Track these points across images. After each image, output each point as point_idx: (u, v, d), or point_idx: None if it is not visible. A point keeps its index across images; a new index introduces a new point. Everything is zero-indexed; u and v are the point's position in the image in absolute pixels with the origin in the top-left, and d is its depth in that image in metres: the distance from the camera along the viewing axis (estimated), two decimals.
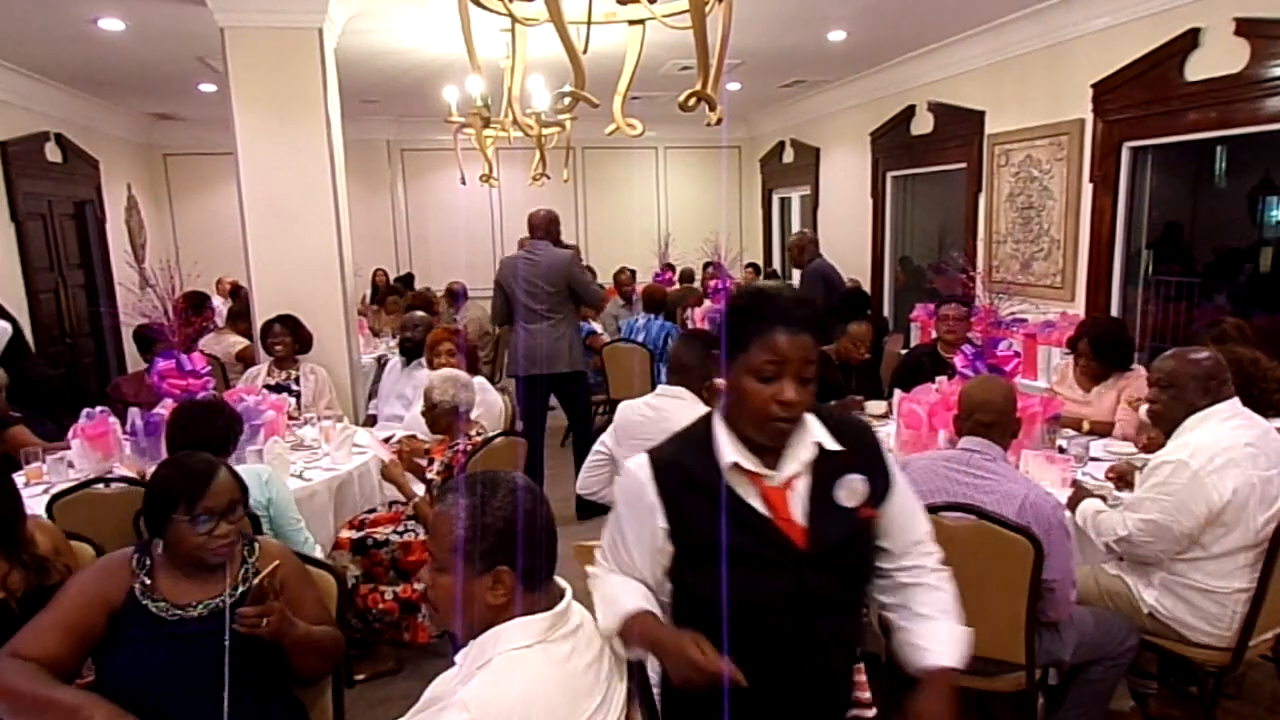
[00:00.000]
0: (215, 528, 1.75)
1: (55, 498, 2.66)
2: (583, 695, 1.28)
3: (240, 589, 1.80)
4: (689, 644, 1.27)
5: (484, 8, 1.71)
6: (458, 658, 1.31)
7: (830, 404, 3.89)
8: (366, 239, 8.27)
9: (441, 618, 1.37)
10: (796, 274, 6.50)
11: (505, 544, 1.29)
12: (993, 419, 2.35)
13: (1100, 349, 3.57)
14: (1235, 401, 2.42)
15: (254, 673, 1.77)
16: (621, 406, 2.53)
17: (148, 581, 1.74)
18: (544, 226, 4.92)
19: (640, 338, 6.16)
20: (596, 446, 2.59)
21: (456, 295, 7.77)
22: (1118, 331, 3.66)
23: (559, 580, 1.41)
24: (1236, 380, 2.60)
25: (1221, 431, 2.35)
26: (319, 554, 2.76)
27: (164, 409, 3.32)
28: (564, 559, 4.55)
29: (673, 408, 2.39)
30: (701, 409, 2.37)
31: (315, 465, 3.40)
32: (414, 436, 3.57)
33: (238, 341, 5.52)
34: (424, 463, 3.30)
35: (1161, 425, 2.53)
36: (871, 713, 2.12)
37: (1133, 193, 4.89)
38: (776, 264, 9.99)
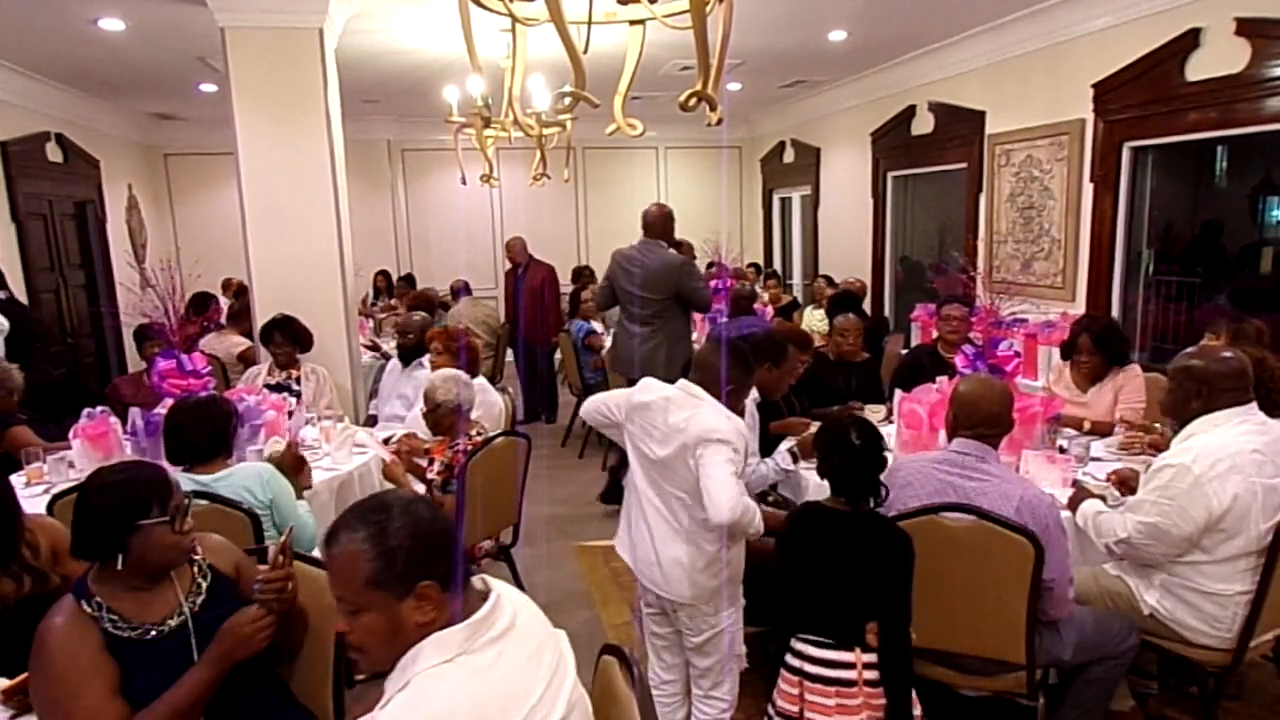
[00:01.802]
0: (184, 524, 1.73)
1: (56, 498, 2.66)
2: (515, 698, 1.24)
3: (204, 583, 1.80)
4: None
5: (484, 8, 1.71)
6: (387, 684, 1.27)
7: (833, 409, 3.87)
8: (367, 239, 8.27)
9: (374, 658, 1.28)
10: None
11: (419, 559, 1.26)
12: (986, 420, 2.35)
13: (1102, 343, 3.58)
14: (1252, 406, 2.38)
15: (259, 665, 1.78)
16: (645, 380, 2.49)
17: (114, 619, 1.66)
18: (659, 225, 4.55)
19: None
20: (613, 398, 2.57)
21: (456, 293, 7.75)
22: (1116, 326, 3.69)
23: (481, 581, 1.36)
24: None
25: (1229, 436, 2.32)
26: (317, 553, 2.75)
27: (164, 409, 3.32)
28: (563, 558, 4.53)
29: (684, 404, 2.35)
30: (715, 411, 2.34)
31: (316, 465, 3.39)
32: (413, 435, 3.57)
33: (240, 342, 5.52)
34: (424, 463, 3.30)
35: (1173, 416, 2.50)
36: None
37: (1133, 193, 4.89)
38: (778, 264, 9.99)
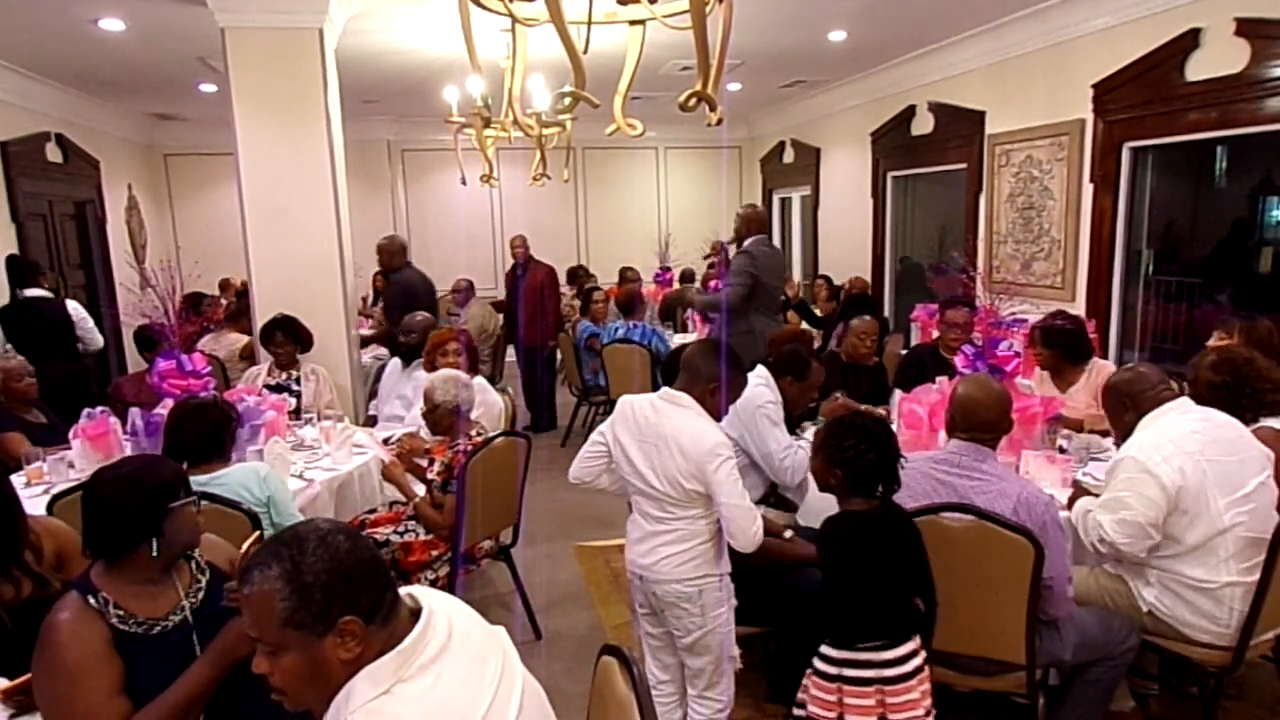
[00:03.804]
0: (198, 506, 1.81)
1: (56, 498, 2.66)
2: (463, 716, 1.21)
3: (203, 579, 1.81)
4: None
5: (484, 8, 1.71)
6: None
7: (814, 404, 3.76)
8: (367, 239, 8.25)
9: (297, 700, 1.24)
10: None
11: (338, 594, 1.20)
12: (983, 425, 2.35)
13: (1048, 338, 3.59)
14: (1183, 401, 2.52)
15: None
16: (624, 399, 2.51)
17: (120, 613, 1.67)
18: (762, 222, 5.02)
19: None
20: (594, 436, 2.58)
21: (460, 292, 7.70)
22: (1063, 322, 3.66)
23: (410, 597, 1.31)
24: (1229, 379, 2.67)
25: (1167, 424, 2.44)
26: None
27: (164, 409, 3.32)
28: (563, 558, 4.53)
29: (671, 413, 2.37)
30: (703, 420, 2.35)
31: (316, 465, 3.40)
32: (415, 435, 3.57)
33: (238, 339, 5.53)
34: (424, 463, 3.30)
35: (1118, 435, 2.66)
36: None
37: (1133, 193, 4.89)
38: None
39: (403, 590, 1.33)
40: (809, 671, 2.17)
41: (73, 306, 5.26)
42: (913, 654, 2.09)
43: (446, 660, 1.23)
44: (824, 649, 2.13)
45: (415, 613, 1.27)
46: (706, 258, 8.45)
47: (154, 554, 1.70)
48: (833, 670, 2.10)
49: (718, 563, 2.38)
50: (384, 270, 5.89)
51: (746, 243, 4.91)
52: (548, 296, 6.70)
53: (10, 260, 5.45)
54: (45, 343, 4.97)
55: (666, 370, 3.24)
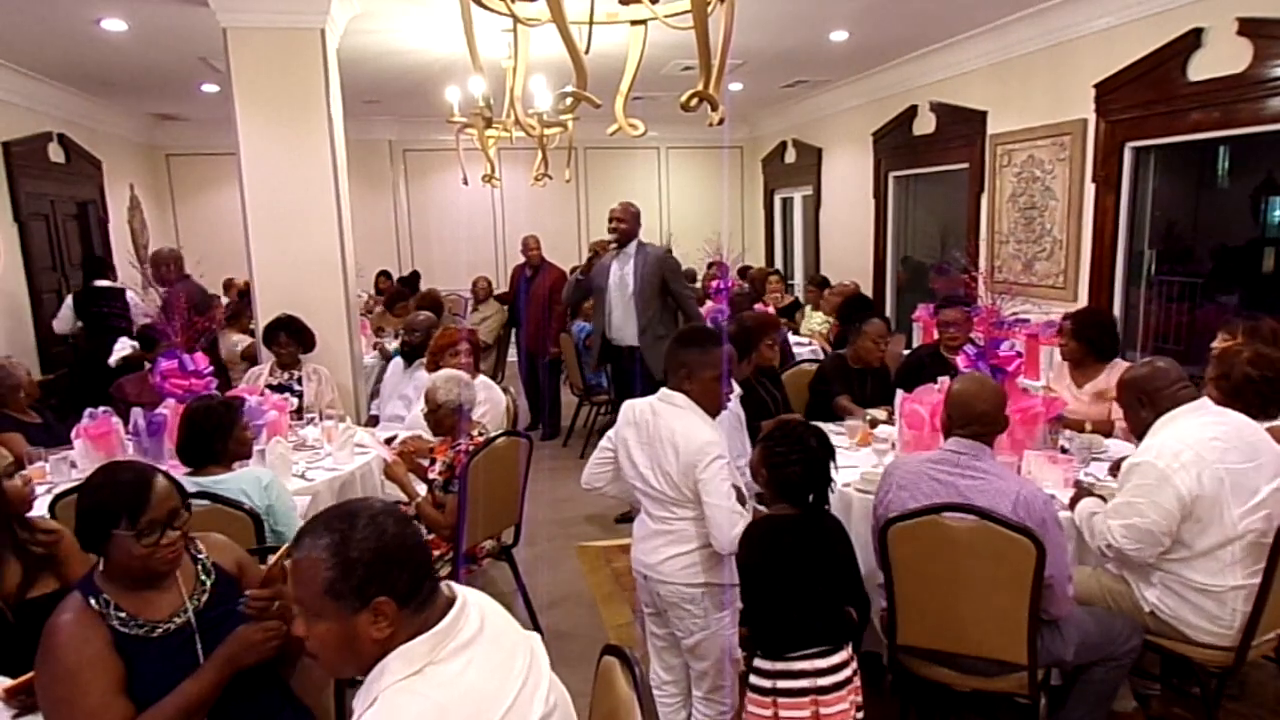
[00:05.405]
0: (161, 538, 1.69)
1: (58, 498, 2.66)
2: (488, 705, 1.24)
3: (208, 581, 1.81)
4: None
5: (486, 8, 1.71)
6: (354, 702, 1.27)
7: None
8: (368, 239, 8.26)
9: (328, 666, 1.32)
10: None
11: (377, 574, 1.25)
12: (980, 419, 2.35)
13: (1080, 330, 3.60)
14: (1203, 401, 2.46)
15: (260, 665, 1.78)
16: (627, 403, 2.53)
17: (121, 615, 1.67)
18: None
19: None
20: (603, 442, 2.60)
21: (479, 292, 7.61)
22: (1098, 315, 3.69)
23: (448, 587, 1.35)
24: (1269, 374, 2.62)
25: (1187, 428, 2.38)
26: None
27: (166, 409, 3.33)
28: (564, 558, 4.53)
29: (667, 414, 2.38)
30: (697, 419, 2.36)
31: (317, 465, 3.40)
32: (419, 436, 3.57)
33: (240, 339, 5.53)
34: (426, 463, 3.30)
35: (1134, 432, 2.60)
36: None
37: (1135, 193, 4.89)
38: (779, 265, 9.99)
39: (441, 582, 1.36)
40: (746, 689, 2.17)
41: (130, 295, 5.96)
42: (845, 664, 2.08)
43: (478, 647, 1.27)
44: (757, 662, 2.12)
45: (451, 601, 1.31)
46: (586, 260, 8.00)
47: (101, 578, 1.69)
48: (767, 684, 2.09)
49: (721, 571, 2.38)
50: (159, 283, 5.58)
51: (636, 245, 4.81)
52: (555, 302, 6.56)
53: (86, 257, 6.68)
54: (107, 324, 5.74)
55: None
